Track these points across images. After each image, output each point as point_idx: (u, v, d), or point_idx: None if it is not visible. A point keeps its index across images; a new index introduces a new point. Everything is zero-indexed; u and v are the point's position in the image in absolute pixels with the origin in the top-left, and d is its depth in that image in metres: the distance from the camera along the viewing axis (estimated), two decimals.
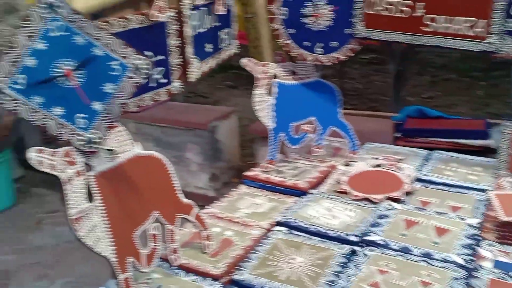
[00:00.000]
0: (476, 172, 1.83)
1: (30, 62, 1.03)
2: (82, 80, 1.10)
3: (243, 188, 1.80)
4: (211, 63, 1.81)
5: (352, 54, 1.90)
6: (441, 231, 1.42)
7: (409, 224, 1.47)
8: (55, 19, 1.06)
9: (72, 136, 1.09)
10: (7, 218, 3.36)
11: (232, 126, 3.87)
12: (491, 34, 1.64)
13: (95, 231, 1.07)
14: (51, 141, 3.22)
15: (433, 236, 1.40)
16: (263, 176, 1.82)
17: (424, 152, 2.05)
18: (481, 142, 2.64)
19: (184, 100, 5.15)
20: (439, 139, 2.76)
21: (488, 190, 1.66)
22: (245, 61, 1.87)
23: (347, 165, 1.93)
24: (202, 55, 1.71)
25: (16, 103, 1.03)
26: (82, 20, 1.09)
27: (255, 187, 1.81)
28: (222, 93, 5.71)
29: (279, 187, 1.75)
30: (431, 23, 1.72)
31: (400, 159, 1.94)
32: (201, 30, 1.70)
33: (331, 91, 2.00)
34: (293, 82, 1.97)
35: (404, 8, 1.73)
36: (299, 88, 1.98)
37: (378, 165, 1.89)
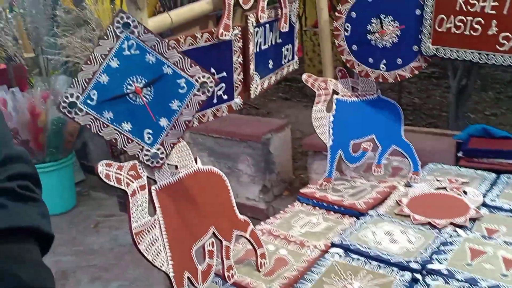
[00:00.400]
0: None
1: (103, 79, 1.08)
2: (150, 97, 1.13)
3: (298, 206, 1.78)
4: (271, 79, 1.81)
5: (417, 72, 1.84)
6: (510, 263, 1.33)
7: (475, 254, 1.39)
8: (129, 38, 1.10)
9: (139, 151, 1.12)
10: (68, 219, 3.52)
11: (285, 139, 3.86)
12: None
13: (155, 245, 1.09)
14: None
15: (501, 268, 1.31)
16: (319, 194, 1.79)
17: (491, 175, 1.95)
18: None
19: (237, 111, 5.23)
20: (505, 161, 2.60)
21: None
22: (305, 77, 1.86)
23: (408, 186, 1.86)
24: (263, 72, 1.71)
25: (88, 118, 1.07)
26: (154, 39, 1.12)
27: (310, 205, 1.78)
28: (274, 105, 5.72)
29: (336, 207, 1.72)
30: (505, 41, 1.64)
31: (465, 182, 1.85)
32: (264, 46, 1.70)
33: (394, 109, 1.95)
34: (354, 99, 1.93)
35: (477, 26, 1.65)
36: (360, 105, 1.94)
37: (442, 188, 1.81)
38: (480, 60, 1.71)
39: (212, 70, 1.46)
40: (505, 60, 1.66)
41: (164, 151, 1.15)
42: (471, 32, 1.69)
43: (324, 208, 1.74)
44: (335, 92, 1.93)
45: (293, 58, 2.00)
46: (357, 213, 1.67)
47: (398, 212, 1.65)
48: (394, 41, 1.83)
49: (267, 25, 1.70)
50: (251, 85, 1.62)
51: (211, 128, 3.69)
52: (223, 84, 1.52)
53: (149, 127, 1.14)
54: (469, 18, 1.70)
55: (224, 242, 1.28)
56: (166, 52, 1.14)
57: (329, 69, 2.05)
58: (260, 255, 1.36)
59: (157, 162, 1.14)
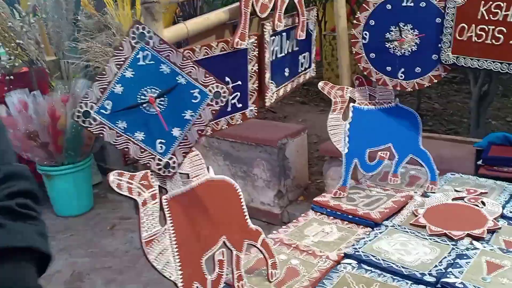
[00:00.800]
0: None
1: (118, 89, 1.09)
2: (164, 106, 1.14)
3: (311, 214, 1.77)
4: (287, 87, 1.80)
5: (436, 81, 1.81)
6: None
7: (492, 268, 1.35)
8: (144, 48, 1.11)
9: (151, 160, 1.13)
10: (84, 221, 3.57)
11: (301, 144, 3.85)
12: None
13: (165, 254, 1.09)
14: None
15: None
16: (333, 203, 1.77)
17: (511, 186, 1.90)
18: None
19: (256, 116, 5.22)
20: None
21: None
22: (322, 85, 1.85)
23: (424, 196, 1.83)
24: (279, 80, 1.71)
25: (102, 127, 1.08)
26: (169, 50, 1.13)
27: (324, 213, 1.77)
28: (291, 109, 5.71)
29: (350, 216, 1.70)
30: None
31: (483, 193, 1.81)
32: (281, 55, 1.70)
33: (412, 118, 1.92)
34: (371, 107, 1.91)
35: (499, 36, 1.62)
36: (377, 113, 1.92)
37: (460, 198, 1.77)
38: (501, 70, 1.67)
39: (227, 79, 1.46)
40: None
41: (176, 161, 1.16)
42: (493, 41, 1.66)
43: (338, 218, 1.73)
44: (352, 100, 1.91)
45: (310, 66, 1.99)
46: (372, 223, 1.65)
47: (413, 222, 1.62)
48: (413, 49, 1.81)
49: (284, 33, 1.69)
50: (266, 94, 1.62)
51: (226, 133, 3.70)
52: (238, 93, 1.52)
53: (161, 136, 1.14)
54: (491, 27, 1.66)
55: (234, 252, 1.28)
56: (180, 62, 1.14)
57: (346, 76, 2.03)
58: (271, 265, 1.36)
59: (169, 172, 1.15)
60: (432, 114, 4.89)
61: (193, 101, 1.16)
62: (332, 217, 1.74)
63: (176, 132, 1.16)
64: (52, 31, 4.23)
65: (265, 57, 1.58)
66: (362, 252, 1.45)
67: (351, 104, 1.90)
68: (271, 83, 1.64)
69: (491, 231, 1.56)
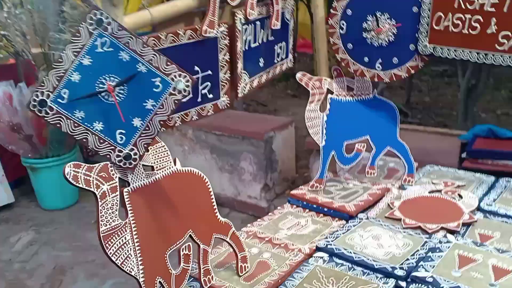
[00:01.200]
0: None
1: (75, 77, 1.05)
2: (124, 96, 1.11)
3: (287, 207, 1.75)
4: (262, 78, 1.77)
5: (413, 72, 1.78)
6: (500, 273, 1.28)
7: (464, 261, 1.33)
8: (102, 35, 1.07)
9: (111, 152, 1.10)
10: (69, 215, 3.53)
11: (289, 137, 3.82)
12: None
13: (125, 249, 1.07)
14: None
15: (490, 278, 1.26)
16: (309, 195, 1.75)
17: (490, 178, 1.89)
18: None
19: (244, 108, 5.18)
20: (509, 162, 2.52)
21: None
22: (299, 76, 1.82)
23: (401, 188, 1.81)
24: (253, 70, 1.68)
25: (59, 117, 1.05)
26: (128, 36, 1.10)
27: (300, 206, 1.74)
28: (282, 102, 5.67)
29: (325, 209, 1.68)
30: (505, 40, 1.57)
31: (461, 186, 1.79)
32: (254, 44, 1.67)
33: (390, 109, 1.89)
34: (349, 98, 1.89)
35: (476, 25, 1.59)
36: (355, 105, 1.90)
37: (437, 191, 1.75)
38: (478, 60, 1.65)
39: (196, 68, 1.43)
40: (504, 60, 1.60)
41: (138, 152, 1.13)
42: (470, 30, 1.63)
43: (314, 210, 1.71)
44: (330, 91, 1.89)
45: (287, 57, 1.96)
46: (347, 216, 1.63)
47: (388, 215, 1.61)
48: (391, 39, 1.78)
49: (258, 23, 1.66)
50: (238, 84, 1.59)
51: (213, 125, 3.66)
52: (208, 83, 1.49)
53: (121, 127, 1.11)
54: (468, 16, 1.63)
55: (201, 246, 1.25)
56: (141, 49, 1.11)
57: (323, 68, 2.01)
58: (241, 259, 1.33)
59: (130, 163, 1.12)
60: (422, 107, 4.87)
61: (155, 90, 1.13)
62: (308, 210, 1.72)
63: (137, 122, 1.13)
64: (38, 22, 4.17)
65: (237, 46, 1.54)
66: (334, 245, 1.43)
67: (329, 96, 1.87)
68: (244, 73, 1.61)
69: (467, 225, 1.54)
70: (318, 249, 1.44)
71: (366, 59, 1.84)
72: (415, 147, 1.90)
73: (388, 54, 1.80)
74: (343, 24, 1.84)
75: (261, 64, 1.73)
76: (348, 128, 1.87)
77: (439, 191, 1.74)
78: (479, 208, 1.64)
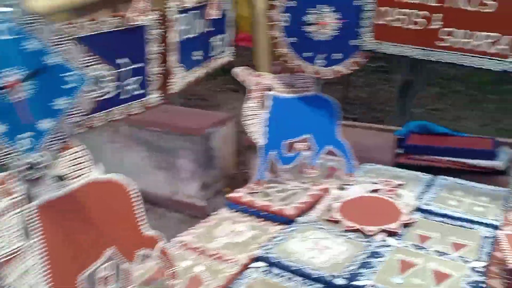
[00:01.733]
0: (483, 203, 1.66)
1: None
2: (30, 93, 0.95)
3: (224, 212, 1.64)
4: (199, 72, 1.65)
5: (357, 68, 1.73)
6: (440, 277, 1.25)
7: (405, 266, 1.30)
8: (3, 20, 0.90)
9: (11, 160, 0.94)
10: None
11: (228, 133, 3.71)
12: None
13: (29, 276, 0.91)
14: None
15: (431, 283, 1.23)
16: (247, 198, 1.65)
17: (427, 177, 1.88)
18: (488, 163, 2.45)
19: (183, 103, 5.00)
20: (442, 158, 2.58)
21: (496, 224, 1.49)
22: (236, 71, 1.72)
23: (341, 189, 1.76)
24: (188, 64, 1.55)
25: None
26: (36, 22, 0.93)
27: (238, 211, 1.64)
28: (223, 96, 5.55)
29: (263, 213, 1.59)
30: (448, 37, 1.55)
31: (399, 184, 1.77)
32: (189, 35, 1.54)
33: (330, 107, 1.84)
34: (290, 95, 1.81)
35: (419, 20, 1.56)
36: (295, 102, 1.82)
37: (376, 190, 1.72)
38: (421, 56, 1.61)
39: (122, 61, 1.27)
40: (446, 57, 1.58)
41: (46, 159, 0.97)
42: (412, 26, 1.60)
43: (252, 215, 1.61)
44: (270, 88, 1.80)
45: (226, 50, 1.84)
46: (286, 220, 1.55)
47: (327, 218, 1.54)
48: (333, 34, 1.72)
49: (194, 11, 1.53)
50: (171, 79, 1.46)
51: (149, 121, 3.47)
52: (137, 77, 1.34)
53: (26, 129, 0.95)
54: (410, 11, 1.60)
55: (125, 264, 1.11)
56: (51, 38, 0.95)
57: (264, 63, 1.91)
58: (170, 275, 1.21)
59: (36, 173, 0.96)
60: (359, 103, 4.94)
61: (67, 86, 0.98)
62: (246, 215, 1.62)
63: (45, 124, 0.97)
64: None
65: (170, 37, 1.41)
66: (272, 254, 1.35)
67: (269, 93, 1.78)
68: (179, 66, 1.48)
69: (406, 225, 1.51)
70: (255, 258, 1.34)
71: (307, 54, 1.77)
72: (352, 143, 1.86)
73: (330, 49, 1.74)
74: (284, 17, 1.75)
75: (198, 57, 1.61)
76: (288, 126, 1.79)
77: (378, 190, 1.71)
78: (418, 208, 1.62)
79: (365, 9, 1.65)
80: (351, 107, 4.71)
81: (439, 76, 5.41)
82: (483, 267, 1.30)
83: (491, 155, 2.42)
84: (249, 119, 1.72)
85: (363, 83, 5.54)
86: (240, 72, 1.73)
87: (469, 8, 1.49)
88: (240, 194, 1.68)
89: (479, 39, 1.49)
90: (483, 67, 1.51)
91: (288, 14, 1.76)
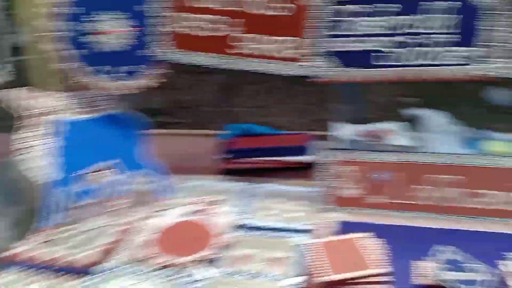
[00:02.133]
0: (297, 207, 1.62)
1: None
2: None
3: (9, 275, 1.29)
4: None
5: (158, 82, 1.56)
6: None
7: None
8: None
9: None
10: None
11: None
12: (307, 56, 1.45)
13: None
14: None
15: None
16: (29, 253, 1.33)
17: (246, 186, 1.81)
18: (300, 158, 2.54)
19: None
20: (263, 159, 2.60)
21: (310, 230, 1.46)
22: (4, 94, 1.41)
23: (155, 217, 1.55)
24: None
25: None
26: None
27: (26, 269, 1.31)
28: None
29: (53, 268, 1.29)
30: (239, 43, 1.47)
31: (216, 201, 1.64)
32: None
33: (131, 125, 1.63)
34: (82, 117, 1.55)
35: (210, 26, 1.45)
36: (89, 125, 1.58)
37: (194, 212, 1.56)
38: (219, 65, 1.52)
39: None
40: (234, 65, 1.50)
41: None
42: (202, 33, 1.48)
43: (45, 271, 1.30)
44: (53, 110, 1.52)
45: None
46: (82, 271, 1.28)
47: (133, 258, 1.33)
48: (121, 44, 1.51)
49: None
50: None
51: None
52: None
53: None
54: (198, 16, 1.48)
55: None
56: None
57: (44, 80, 1.61)
58: None
59: None
60: (182, 106, 4.81)
61: None
62: (35, 272, 1.30)
63: None
64: None
65: None
66: None
67: (53, 116, 1.49)
68: None
69: (222, 248, 1.38)
70: None
71: (99, 67, 1.53)
72: (174, 153, 1.69)
73: (119, 61, 1.54)
74: (60, 26, 1.48)
75: None
76: (82, 153, 1.53)
77: (197, 211, 1.55)
78: (238, 225, 1.51)
79: (154, 15, 1.48)
80: (173, 111, 4.55)
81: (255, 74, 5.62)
82: (299, 282, 1.24)
83: (302, 151, 2.50)
84: (25, 153, 1.40)
85: (187, 85, 5.44)
86: (11, 95, 1.42)
87: (256, 12, 1.43)
88: (24, 247, 1.36)
89: (268, 43, 1.44)
90: (274, 72, 1.47)
91: (69, 22, 1.49)
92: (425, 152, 1.57)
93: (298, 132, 2.95)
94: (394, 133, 2.35)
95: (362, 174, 1.54)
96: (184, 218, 1.52)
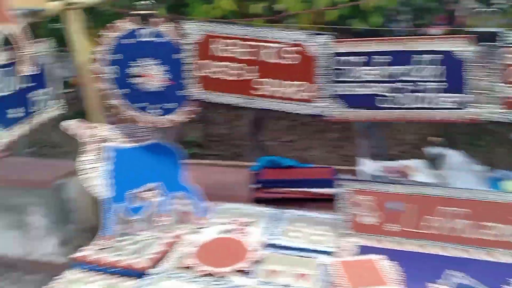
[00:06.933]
0: (321, 232, 1.82)
1: None
2: None
3: (69, 274, 1.55)
4: (20, 130, 1.58)
5: (193, 116, 1.82)
6: None
7: None
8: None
9: None
10: None
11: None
12: (318, 98, 1.69)
13: None
14: None
15: None
16: (94, 256, 1.59)
17: (275, 211, 2.02)
18: (326, 190, 2.72)
19: (35, 152, 4.62)
20: (290, 189, 2.80)
21: (332, 252, 1.65)
22: (66, 125, 1.70)
23: (194, 233, 1.79)
24: (5, 122, 1.48)
25: None
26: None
27: (88, 270, 1.57)
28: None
29: (113, 269, 1.54)
30: (260, 86, 1.73)
31: (248, 222, 1.87)
32: (2, 93, 1.48)
33: (172, 153, 1.90)
34: (130, 145, 1.82)
35: (234, 72, 1.73)
36: (136, 152, 1.84)
37: (228, 231, 1.79)
38: (239, 103, 1.79)
39: None
40: (259, 104, 1.78)
41: None
42: (228, 77, 1.75)
43: (103, 272, 1.55)
44: (105, 139, 1.79)
45: (51, 104, 1.81)
46: (138, 273, 1.53)
47: (180, 265, 1.56)
48: (162, 85, 1.80)
49: (5, 69, 1.49)
50: None
51: None
52: None
53: None
54: (225, 63, 1.75)
55: None
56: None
57: (96, 113, 1.90)
58: None
59: None
60: (219, 139, 5.11)
61: None
62: (96, 273, 1.56)
63: None
64: None
65: None
66: None
67: (108, 144, 1.77)
68: None
69: (256, 262, 1.59)
70: None
71: (139, 104, 1.82)
72: (211, 182, 1.93)
73: (160, 99, 1.82)
74: (110, 69, 1.78)
75: (17, 115, 1.55)
76: (133, 176, 1.80)
77: (230, 230, 1.78)
78: (266, 244, 1.71)
79: (185, 62, 1.77)
80: (211, 144, 4.86)
81: None
82: None
83: (329, 184, 2.69)
84: (87, 173, 1.68)
85: (223, 120, 5.76)
86: (71, 125, 1.71)
87: (275, 61, 1.70)
88: (88, 252, 1.62)
89: (286, 87, 1.72)
90: (292, 111, 1.73)
91: (116, 66, 1.79)
92: (436, 186, 1.75)
93: (323, 166, 3.16)
94: (417, 170, 2.51)
95: (378, 204, 1.73)
96: (221, 235, 1.75)
